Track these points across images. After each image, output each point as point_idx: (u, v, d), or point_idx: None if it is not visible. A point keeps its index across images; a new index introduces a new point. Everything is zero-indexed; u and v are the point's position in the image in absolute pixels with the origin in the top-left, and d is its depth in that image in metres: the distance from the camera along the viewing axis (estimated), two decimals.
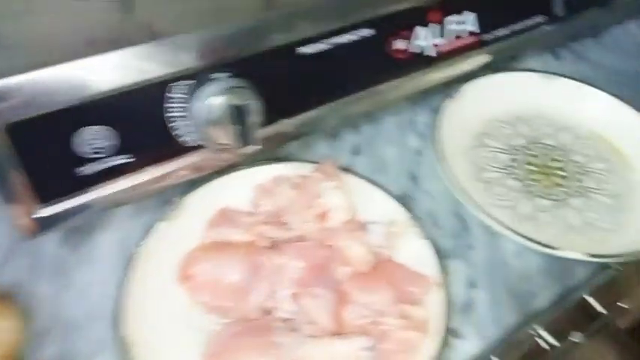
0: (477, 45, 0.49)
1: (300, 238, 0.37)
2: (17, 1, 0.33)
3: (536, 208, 0.45)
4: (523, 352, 0.48)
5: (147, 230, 0.38)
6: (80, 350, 0.34)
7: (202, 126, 0.35)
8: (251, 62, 0.35)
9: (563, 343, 0.49)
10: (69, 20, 0.33)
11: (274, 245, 0.37)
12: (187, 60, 0.33)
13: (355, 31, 0.40)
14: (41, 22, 0.32)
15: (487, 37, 0.49)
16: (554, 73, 0.54)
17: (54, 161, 0.32)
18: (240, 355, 0.32)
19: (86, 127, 0.32)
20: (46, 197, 0.33)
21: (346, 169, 0.43)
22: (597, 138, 0.51)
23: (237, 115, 0.34)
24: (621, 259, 0.40)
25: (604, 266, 0.42)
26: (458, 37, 0.47)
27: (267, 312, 0.34)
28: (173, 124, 0.35)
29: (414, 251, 0.38)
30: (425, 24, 0.44)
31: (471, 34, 0.48)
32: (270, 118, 0.38)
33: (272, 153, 0.44)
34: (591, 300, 0.48)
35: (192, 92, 0.34)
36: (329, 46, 0.39)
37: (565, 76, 0.54)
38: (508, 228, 0.40)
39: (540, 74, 0.54)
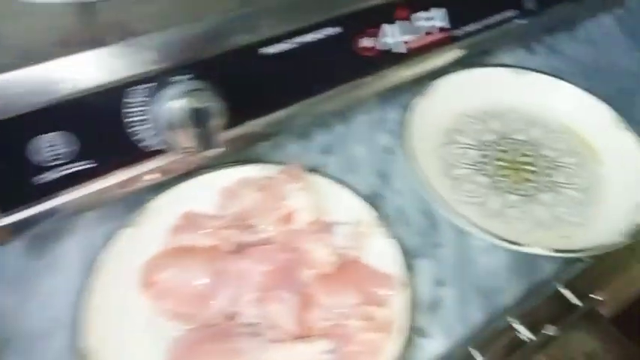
0: (447, 41, 0.48)
1: (266, 241, 0.37)
2: None
3: (506, 204, 0.45)
4: (503, 344, 0.49)
5: (111, 237, 0.37)
6: None
7: (163, 130, 0.34)
8: (213, 64, 0.35)
9: (538, 337, 0.49)
10: (21, 24, 0.32)
11: (239, 249, 0.37)
12: (147, 62, 0.32)
13: (320, 30, 0.39)
14: None
15: (458, 32, 0.49)
16: (526, 68, 0.54)
17: (12, 169, 0.31)
18: None
19: (44, 134, 0.31)
20: (7, 207, 0.32)
21: (314, 170, 0.43)
22: (568, 132, 0.52)
23: (198, 117, 0.34)
24: (585, 254, 0.40)
25: (573, 260, 0.43)
26: (428, 34, 0.47)
27: (231, 317, 0.34)
28: (133, 128, 0.34)
29: (381, 251, 0.38)
30: (392, 21, 0.44)
31: (441, 29, 0.48)
32: (236, 119, 0.38)
33: (241, 154, 0.43)
34: (566, 292, 0.48)
35: (152, 96, 0.34)
36: (293, 46, 0.38)
37: (536, 71, 0.54)
38: (475, 225, 0.40)
39: (511, 69, 0.54)
